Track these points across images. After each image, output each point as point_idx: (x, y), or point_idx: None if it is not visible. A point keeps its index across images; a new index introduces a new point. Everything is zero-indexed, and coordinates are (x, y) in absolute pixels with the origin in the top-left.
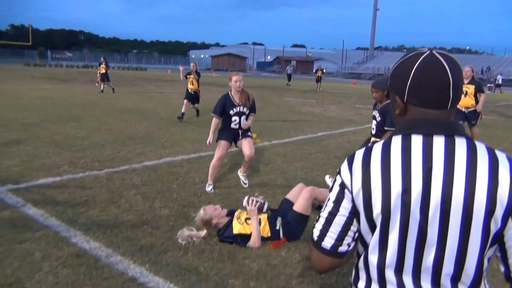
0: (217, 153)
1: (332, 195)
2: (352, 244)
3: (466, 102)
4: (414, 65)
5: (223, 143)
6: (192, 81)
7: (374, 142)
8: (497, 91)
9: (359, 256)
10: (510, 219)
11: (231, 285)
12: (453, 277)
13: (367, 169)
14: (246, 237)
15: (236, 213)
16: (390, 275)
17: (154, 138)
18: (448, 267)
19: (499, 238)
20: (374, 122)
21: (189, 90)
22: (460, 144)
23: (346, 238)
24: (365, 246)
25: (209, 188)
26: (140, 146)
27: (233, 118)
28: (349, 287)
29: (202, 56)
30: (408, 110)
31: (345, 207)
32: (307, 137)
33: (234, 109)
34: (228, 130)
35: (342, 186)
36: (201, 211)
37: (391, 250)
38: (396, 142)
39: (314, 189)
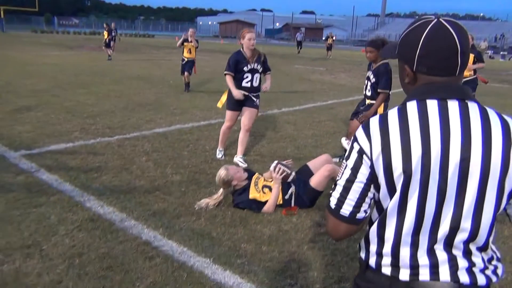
0: (227, 122)
1: (350, 162)
2: (368, 211)
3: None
4: (423, 33)
5: (231, 114)
6: (190, 49)
7: (369, 105)
8: None
9: (371, 223)
10: None
11: (244, 249)
12: (468, 238)
13: (386, 134)
14: (260, 204)
15: (254, 178)
16: (406, 237)
17: (163, 106)
18: (465, 225)
19: (510, 190)
20: (369, 83)
21: (185, 59)
22: (473, 108)
23: (364, 204)
24: (381, 211)
25: (219, 155)
26: (150, 113)
27: (246, 75)
28: (359, 251)
29: (209, 23)
30: (417, 78)
31: (363, 173)
32: (317, 105)
33: (248, 65)
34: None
35: (361, 152)
36: (223, 171)
37: (411, 211)
38: (412, 107)
39: (335, 169)
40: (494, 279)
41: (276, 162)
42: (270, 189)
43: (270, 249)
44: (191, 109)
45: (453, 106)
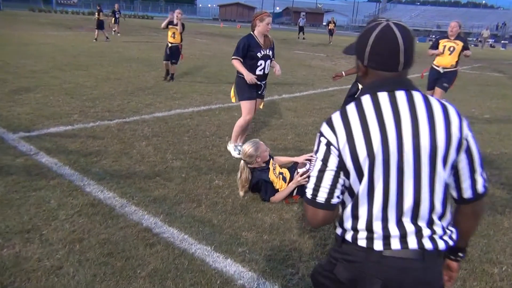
0: (247, 116)
1: (320, 155)
2: (341, 196)
3: (447, 61)
4: (373, 34)
5: (250, 105)
6: (174, 33)
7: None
8: None
9: (345, 206)
10: (461, 150)
11: (245, 237)
12: (429, 208)
13: (348, 126)
14: (273, 190)
15: (271, 162)
16: (377, 213)
17: (163, 89)
18: (424, 197)
19: (454, 167)
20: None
21: (169, 44)
22: (417, 96)
23: (336, 190)
24: (353, 195)
25: (236, 151)
26: (149, 97)
27: (260, 62)
28: (335, 229)
29: (209, 5)
30: (368, 72)
31: (333, 162)
32: (318, 91)
33: (262, 51)
34: (250, 84)
35: (328, 145)
36: (255, 145)
37: (378, 191)
38: (366, 100)
39: None
40: (450, 243)
41: (309, 163)
42: (283, 177)
43: (271, 238)
44: (191, 94)
45: (400, 95)
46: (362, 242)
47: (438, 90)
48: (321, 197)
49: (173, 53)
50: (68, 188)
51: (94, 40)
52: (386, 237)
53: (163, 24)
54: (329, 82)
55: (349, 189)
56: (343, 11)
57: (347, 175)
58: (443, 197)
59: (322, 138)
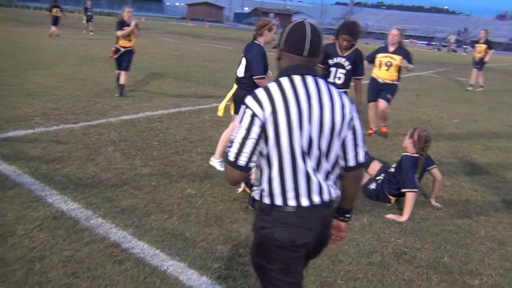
0: None
1: (244, 124)
2: (256, 161)
3: (385, 75)
4: (289, 26)
5: None
6: (129, 36)
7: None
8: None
9: (270, 173)
10: (348, 127)
11: (220, 251)
12: (329, 169)
13: (272, 101)
14: None
15: None
16: (299, 174)
17: (130, 90)
18: (326, 160)
19: (344, 140)
20: (339, 71)
21: (121, 49)
22: (321, 81)
23: (254, 156)
24: (273, 162)
25: (222, 167)
26: (116, 98)
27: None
28: (260, 200)
29: (177, 4)
30: (282, 56)
31: (256, 132)
32: None
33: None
34: None
35: (253, 116)
36: None
37: (297, 155)
38: (285, 81)
39: None
40: (338, 193)
41: None
42: None
43: (248, 252)
44: (159, 95)
45: (310, 80)
46: (291, 202)
47: (381, 102)
48: (242, 160)
49: (127, 59)
50: (28, 199)
51: (56, 35)
52: (309, 194)
53: (123, 33)
54: None
55: (269, 157)
56: (311, 13)
57: (266, 142)
58: (334, 162)
59: (247, 110)
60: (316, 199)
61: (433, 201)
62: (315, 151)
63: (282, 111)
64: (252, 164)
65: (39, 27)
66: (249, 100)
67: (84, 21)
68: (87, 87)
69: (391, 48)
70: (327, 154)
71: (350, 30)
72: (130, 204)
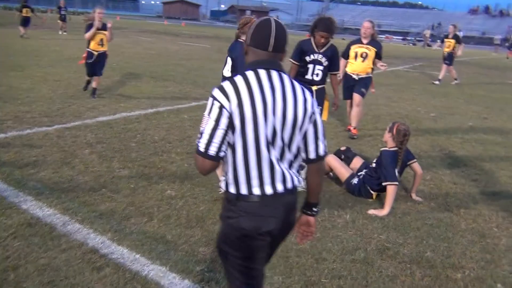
0: None
1: (213, 116)
2: (225, 151)
3: (361, 68)
4: (256, 22)
5: None
6: (101, 40)
7: (319, 91)
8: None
9: (235, 163)
10: (310, 121)
11: (202, 254)
12: (291, 158)
13: (238, 93)
14: None
15: None
16: (264, 163)
17: (107, 91)
18: (289, 150)
19: (305, 133)
20: (317, 67)
21: (94, 53)
22: (285, 77)
23: (223, 146)
24: (238, 152)
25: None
26: (92, 99)
27: None
28: (226, 189)
29: (152, 2)
30: (248, 50)
31: (224, 122)
32: None
33: None
34: None
35: (221, 107)
36: None
37: (261, 145)
38: (250, 74)
39: None
40: (301, 180)
41: None
42: None
43: None
44: (136, 95)
45: (274, 74)
46: (256, 191)
47: (356, 96)
48: (212, 150)
49: (100, 63)
50: (1, 206)
51: (24, 36)
52: (273, 183)
53: (90, 34)
54: None
55: (234, 146)
56: (288, 10)
57: (233, 133)
58: (296, 154)
59: (215, 102)
60: (279, 187)
61: (414, 195)
62: (278, 142)
63: (247, 103)
64: (222, 154)
65: (9, 28)
66: (216, 92)
67: (59, 21)
68: (61, 89)
69: (365, 41)
70: (290, 145)
71: (327, 27)
72: (108, 208)
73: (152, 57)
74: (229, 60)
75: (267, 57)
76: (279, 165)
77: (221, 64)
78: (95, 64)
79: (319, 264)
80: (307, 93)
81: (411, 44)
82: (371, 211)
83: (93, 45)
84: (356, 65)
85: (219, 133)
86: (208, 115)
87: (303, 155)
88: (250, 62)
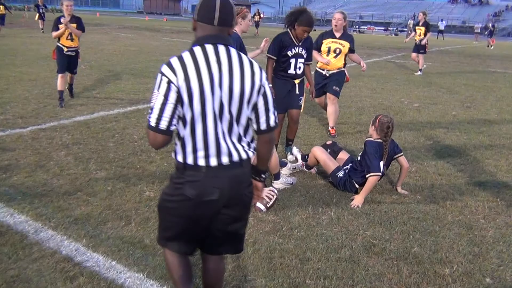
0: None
1: (162, 91)
2: (176, 124)
3: (333, 63)
4: None
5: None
6: (70, 34)
7: (300, 84)
8: (439, 38)
9: (182, 133)
10: (259, 94)
11: None
12: (239, 132)
13: (185, 68)
14: None
15: None
16: (209, 135)
17: (84, 90)
18: (237, 123)
19: (255, 105)
20: (299, 60)
21: (64, 50)
22: (233, 51)
23: (173, 120)
24: (186, 123)
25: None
26: (68, 98)
27: None
28: (175, 157)
29: None
30: (196, 26)
31: (173, 97)
32: None
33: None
34: None
35: (169, 83)
36: None
37: (208, 117)
38: (197, 50)
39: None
40: (251, 154)
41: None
42: None
43: None
44: (115, 93)
45: (221, 48)
46: (201, 162)
47: (330, 96)
48: (163, 125)
49: (72, 61)
50: None
51: None
52: (218, 155)
53: (57, 33)
54: None
55: (183, 119)
56: (270, 3)
57: (182, 106)
58: (247, 125)
59: (163, 77)
60: (225, 159)
61: (399, 189)
62: (226, 115)
63: (194, 77)
64: (172, 128)
65: None
66: (164, 68)
67: (37, 19)
68: (37, 89)
69: (338, 34)
70: (238, 118)
71: (310, 21)
72: (84, 213)
73: (132, 53)
74: None
75: (213, 32)
76: (226, 138)
77: None
78: (69, 61)
79: (304, 265)
80: (256, 66)
81: (393, 35)
82: (353, 203)
83: (63, 40)
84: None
85: (169, 108)
86: (157, 90)
87: (254, 126)
88: (197, 38)
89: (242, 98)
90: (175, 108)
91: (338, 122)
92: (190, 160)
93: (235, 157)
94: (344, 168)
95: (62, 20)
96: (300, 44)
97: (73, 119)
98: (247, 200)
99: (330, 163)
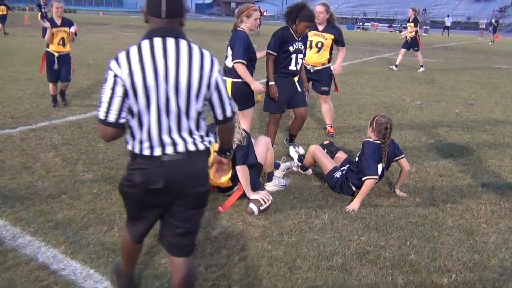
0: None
1: (109, 85)
2: (126, 117)
3: (314, 59)
4: None
5: (252, 113)
6: (62, 39)
7: (298, 81)
8: (444, 34)
9: (131, 123)
10: (211, 87)
11: (164, 266)
12: (188, 125)
13: (130, 62)
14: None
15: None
16: (154, 127)
17: (80, 89)
18: (185, 116)
19: (209, 99)
20: (300, 56)
21: (55, 54)
22: (182, 43)
23: (122, 112)
24: (134, 116)
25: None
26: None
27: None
28: (126, 146)
29: None
30: (147, 19)
31: (119, 90)
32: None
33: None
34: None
35: (115, 76)
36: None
37: (152, 110)
38: (145, 44)
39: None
40: (208, 145)
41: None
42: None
43: (196, 264)
44: None
45: (170, 41)
46: (146, 152)
47: (322, 97)
48: (111, 118)
49: (64, 66)
50: None
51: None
52: (162, 146)
53: (48, 37)
54: (261, 73)
55: (131, 111)
56: (273, 1)
57: (129, 99)
58: (197, 119)
59: (110, 72)
60: (169, 150)
61: (398, 191)
62: (173, 108)
63: (138, 71)
64: (121, 121)
65: None
66: (112, 63)
67: (39, 18)
68: (32, 88)
69: (321, 27)
70: (187, 112)
71: (313, 16)
72: (66, 217)
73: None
74: (228, 50)
75: (162, 25)
76: (173, 131)
77: None
78: (60, 69)
79: (292, 274)
80: (207, 59)
81: (397, 31)
82: (349, 207)
83: (53, 46)
84: (309, 55)
85: (116, 101)
86: (105, 84)
87: (213, 116)
88: (147, 31)
89: (189, 91)
90: (122, 102)
91: (337, 121)
92: (137, 149)
93: (181, 149)
94: (342, 169)
95: (72, 29)
96: (299, 39)
97: (65, 119)
98: (199, 193)
99: (327, 163)
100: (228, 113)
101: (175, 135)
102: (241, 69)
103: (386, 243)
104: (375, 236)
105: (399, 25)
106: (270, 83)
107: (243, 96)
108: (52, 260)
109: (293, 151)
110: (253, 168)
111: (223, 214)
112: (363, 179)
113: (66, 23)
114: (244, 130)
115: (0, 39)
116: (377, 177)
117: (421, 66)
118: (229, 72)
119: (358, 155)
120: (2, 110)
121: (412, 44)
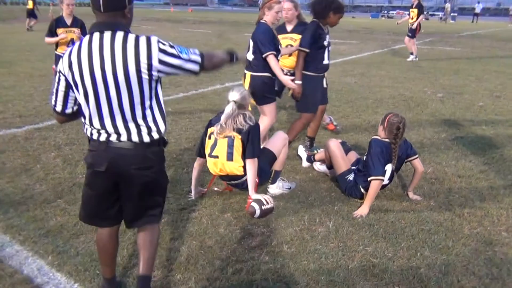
0: (274, 119)
1: (56, 79)
2: (73, 107)
3: (289, 62)
4: None
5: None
6: (72, 41)
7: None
8: (474, 21)
9: (81, 111)
10: (157, 67)
11: (153, 278)
12: (132, 114)
13: (69, 58)
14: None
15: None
16: (98, 116)
17: None
18: (126, 106)
19: (168, 72)
20: (329, 49)
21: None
22: (118, 35)
23: (68, 104)
24: (80, 105)
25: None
26: None
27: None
28: (85, 132)
29: None
30: (94, 14)
31: (62, 85)
32: None
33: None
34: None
35: (59, 72)
36: (243, 89)
37: (92, 102)
38: (85, 39)
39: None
40: (148, 138)
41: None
42: None
43: (187, 277)
44: None
45: (107, 35)
46: (95, 136)
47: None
48: (58, 107)
49: None
50: None
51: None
52: (107, 133)
53: (53, 40)
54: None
55: (77, 101)
56: None
57: (73, 92)
58: (142, 109)
59: (57, 68)
60: (113, 138)
61: (411, 194)
62: (114, 97)
63: (75, 66)
64: (68, 111)
65: (9, 23)
66: (60, 59)
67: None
68: (44, 85)
69: (290, 27)
70: (131, 102)
71: (343, 7)
72: (58, 224)
73: None
74: (250, 42)
75: (102, 19)
76: (116, 120)
77: (219, 49)
78: None
79: None
80: (142, 46)
81: (424, 19)
82: (355, 213)
83: (61, 47)
84: (285, 58)
85: (60, 94)
86: (54, 78)
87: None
88: (91, 25)
89: (128, 81)
90: (66, 94)
91: (351, 116)
92: (88, 133)
93: (123, 139)
94: (353, 168)
95: (66, 5)
96: (327, 32)
97: None
98: (147, 181)
99: (342, 162)
100: (196, 69)
101: (120, 124)
102: (273, 61)
103: (395, 255)
104: (383, 246)
105: (426, 13)
106: (297, 82)
107: (261, 90)
108: (37, 273)
109: (302, 150)
110: (267, 156)
111: (221, 221)
112: (368, 179)
113: (77, 23)
114: (250, 118)
115: (22, 35)
116: (383, 178)
117: (411, 53)
118: (250, 64)
119: (365, 154)
120: (12, 109)
121: (410, 31)
